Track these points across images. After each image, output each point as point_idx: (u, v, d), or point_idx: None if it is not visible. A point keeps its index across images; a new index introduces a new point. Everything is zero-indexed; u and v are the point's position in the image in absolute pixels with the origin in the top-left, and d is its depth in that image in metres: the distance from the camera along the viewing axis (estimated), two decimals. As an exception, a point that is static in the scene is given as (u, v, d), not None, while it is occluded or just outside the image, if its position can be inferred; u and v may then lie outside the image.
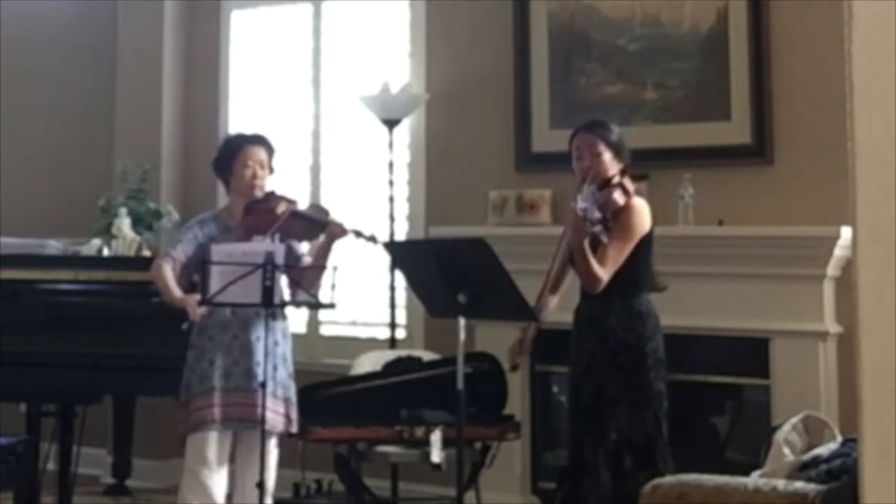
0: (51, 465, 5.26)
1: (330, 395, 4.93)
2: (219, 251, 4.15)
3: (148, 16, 6.58)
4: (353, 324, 5.99)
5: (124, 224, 5.70)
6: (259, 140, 4.49)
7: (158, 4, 6.56)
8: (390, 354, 5.32)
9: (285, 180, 6.15)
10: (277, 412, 4.28)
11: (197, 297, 4.18)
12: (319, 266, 4.36)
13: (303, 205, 4.50)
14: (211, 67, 6.53)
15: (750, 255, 4.81)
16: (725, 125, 5.04)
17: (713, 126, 5.07)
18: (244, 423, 4.25)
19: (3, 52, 6.98)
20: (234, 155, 4.43)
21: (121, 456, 5.84)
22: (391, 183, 5.66)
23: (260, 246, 4.19)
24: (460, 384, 3.89)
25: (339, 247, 4.43)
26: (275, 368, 4.28)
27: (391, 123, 5.62)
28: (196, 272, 4.30)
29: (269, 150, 4.48)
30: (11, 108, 6.96)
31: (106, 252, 5.68)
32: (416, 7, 5.95)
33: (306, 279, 4.32)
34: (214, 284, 4.06)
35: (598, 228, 3.79)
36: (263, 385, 4.16)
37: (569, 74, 5.44)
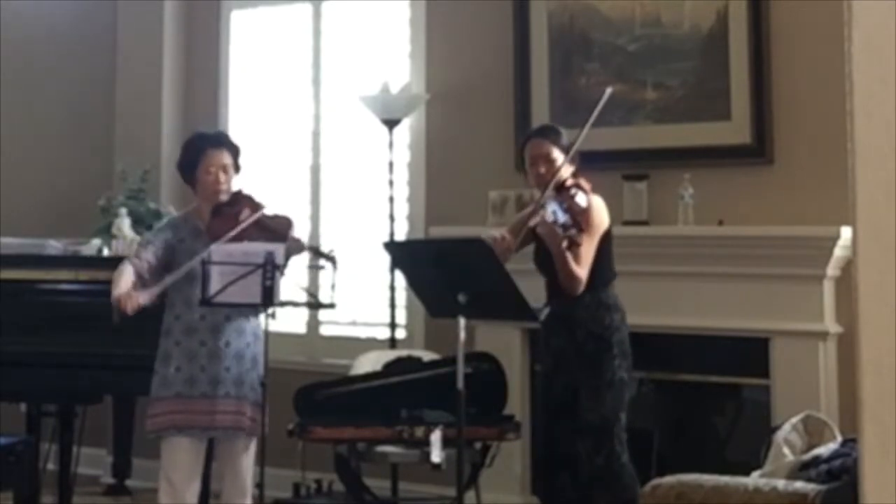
0: (51, 465, 5.26)
1: (330, 394, 4.93)
2: (219, 251, 4.14)
3: (148, 16, 6.58)
4: (353, 324, 5.99)
5: (124, 224, 5.71)
6: (221, 142, 4.40)
7: (158, 4, 6.56)
8: (390, 354, 5.32)
9: (285, 180, 6.17)
10: (244, 414, 4.25)
11: (141, 295, 4.12)
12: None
13: (269, 210, 4.38)
14: (211, 67, 6.53)
15: (750, 255, 4.81)
16: (725, 125, 5.04)
17: (713, 126, 5.07)
18: (207, 430, 4.22)
19: (3, 52, 6.98)
20: (196, 161, 4.34)
21: (121, 456, 5.84)
22: (391, 183, 5.66)
23: (260, 246, 4.18)
24: (460, 384, 3.89)
25: (294, 262, 4.35)
26: (248, 371, 4.25)
27: (391, 123, 5.62)
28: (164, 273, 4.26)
29: (233, 150, 4.39)
30: (12, 108, 6.96)
31: (106, 252, 5.68)
32: (416, 7, 5.95)
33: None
34: (214, 284, 4.06)
35: (573, 232, 3.79)
36: (264, 386, 4.15)
37: (569, 74, 5.43)
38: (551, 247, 3.96)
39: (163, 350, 4.29)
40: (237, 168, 4.40)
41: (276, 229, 4.30)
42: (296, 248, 4.31)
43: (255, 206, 4.33)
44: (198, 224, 4.35)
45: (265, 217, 4.32)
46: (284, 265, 4.27)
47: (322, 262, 4.29)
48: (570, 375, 4.10)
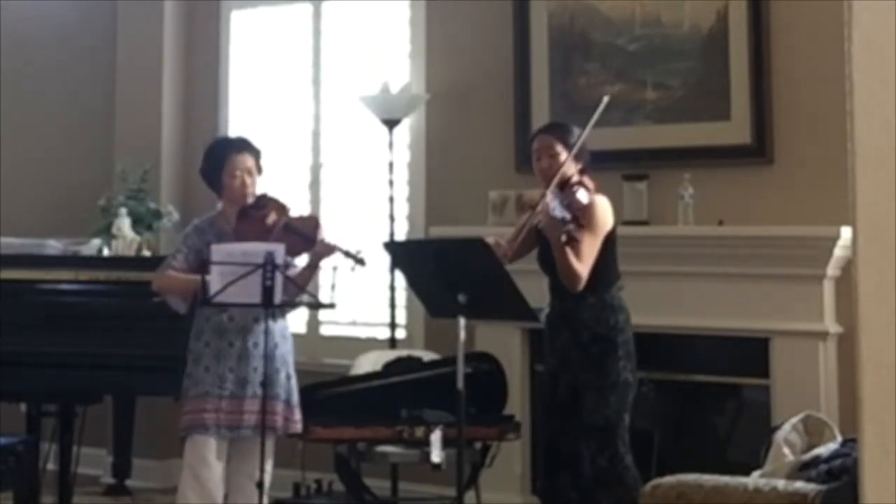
0: (51, 465, 5.26)
1: (330, 395, 4.93)
2: (219, 251, 4.14)
3: (148, 16, 6.58)
4: (353, 324, 5.99)
5: (124, 224, 5.71)
6: (243, 146, 4.46)
7: (158, 4, 6.56)
8: (390, 354, 5.32)
9: (285, 180, 6.17)
10: (275, 414, 4.28)
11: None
12: (300, 283, 4.30)
13: (295, 213, 4.44)
14: (211, 67, 6.53)
15: (750, 255, 4.81)
16: (725, 125, 5.04)
17: (713, 126, 5.07)
18: (235, 429, 4.24)
19: (3, 52, 6.98)
20: (220, 165, 4.40)
21: (121, 456, 5.84)
22: (391, 183, 5.66)
23: (260, 246, 4.18)
24: (460, 384, 3.89)
25: (326, 264, 4.36)
26: (276, 372, 4.28)
27: (391, 123, 5.62)
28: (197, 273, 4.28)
29: (255, 153, 4.45)
30: (12, 108, 6.95)
31: (106, 252, 5.68)
32: (416, 7, 5.95)
33: (286, 289, 4.21)
34: (214, 285, 4.06)
35: (571, 227, 3.85)
36: (265, 385, 4.16)
37: (569, 74, 5.43)
38: (551, 240, 3.99)
39: (194, 352, 4.31)
40: (259, 170, 4.45)
41: (305, 232, 4.33)
42: (325, 251, 4.31)
43: (281, 209, 4.38)
44: (224, 227, 4.39)
45: (292, 220, 4.36)
46: (314, 268, 4.33)
47: (352, 263, 4.29)
48: (574, 375, 4.10)
